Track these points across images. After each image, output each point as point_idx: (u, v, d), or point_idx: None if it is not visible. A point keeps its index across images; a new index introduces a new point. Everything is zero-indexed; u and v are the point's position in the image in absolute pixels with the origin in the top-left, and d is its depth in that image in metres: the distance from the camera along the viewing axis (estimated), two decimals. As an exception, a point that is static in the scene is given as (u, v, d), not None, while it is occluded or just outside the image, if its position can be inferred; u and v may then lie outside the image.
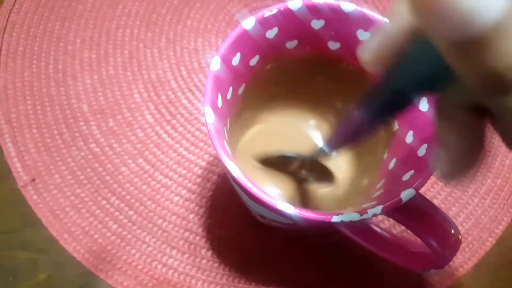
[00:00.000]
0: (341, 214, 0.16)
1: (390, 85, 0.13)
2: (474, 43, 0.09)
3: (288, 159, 0.22)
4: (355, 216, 0.16)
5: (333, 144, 0.18)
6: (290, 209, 0.16)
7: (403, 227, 0.27)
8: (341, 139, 0.17)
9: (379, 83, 0.13)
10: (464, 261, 0.26)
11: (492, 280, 0.26)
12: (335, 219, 0.16)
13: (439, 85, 0.12)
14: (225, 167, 0.16)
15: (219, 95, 0.18)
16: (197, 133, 0.28)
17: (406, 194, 0.16)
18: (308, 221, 0.16)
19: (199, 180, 0.27)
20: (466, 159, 0.12)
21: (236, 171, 0.16)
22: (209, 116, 0.17)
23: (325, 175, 0.22)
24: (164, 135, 0.28)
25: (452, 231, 0.18)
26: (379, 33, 0.12)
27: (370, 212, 0.16)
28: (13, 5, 0.31)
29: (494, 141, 0.30)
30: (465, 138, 0.12)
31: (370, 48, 0.13)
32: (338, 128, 0.17)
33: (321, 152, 0.19)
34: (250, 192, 0.16)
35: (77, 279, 0.24)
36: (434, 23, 0.09)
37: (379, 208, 0.16)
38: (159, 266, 0.25)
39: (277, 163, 0.23)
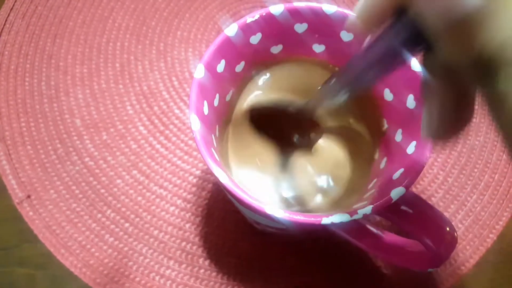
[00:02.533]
0: (331, 216, 0.16)
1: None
2: (465, 24, 0.09)
3: (280, 110, 0.21)
4: (345, 217, 0.16)
5: (338, 86, 0.17)
6: (279, 213, 0.16)
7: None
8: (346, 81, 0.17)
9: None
10: (465, 259, 0.26)
11: (493, 278, 0.26)
12: (325, 221, 0.16)
13: (420, 47, 0.12)
14: (213, 174, 0.16)
15: (205, 102, 0.18)
16: (190, 142, 0.28)
17: (396, 193, 0.16)
18: (298, 224, 0.16)
19: (194, 189, 0.27)
20: (453, 115, 0.12)
21: (223, 178, 0.16)
22: (195, 123, 0.17)
23: (315, 130, 0.22)
24: (158, 146, 0.28)
25: (447, 228, 0.18)
26: (360, 5, 0.13)
27: (360, 212, 0.16)
28: (4, 24, 0.32)
29: (490, 136, 0.29)
30: (451, 94, 0.12)
31: (358, 13, 0.13)
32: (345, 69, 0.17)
33: (323, 95, 0.18)
34: (238, 197, 0.16)
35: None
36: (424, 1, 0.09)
37: (369, 208, 0.16)
38: (157, 278, 0.25)
39: (269, 121, 0.22)
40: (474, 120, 0.30)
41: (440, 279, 0.25)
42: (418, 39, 0.12)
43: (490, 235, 0.27)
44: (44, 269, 0.25)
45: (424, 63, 0.13)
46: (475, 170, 0.28)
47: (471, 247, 0.26)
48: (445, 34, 0.10)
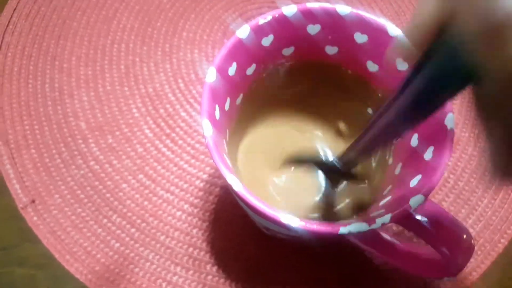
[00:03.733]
0: (349, 225, 0.15)
1: (420, 79, 0.13)
2: (498, 31, 0.09)
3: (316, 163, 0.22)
4: (363, 227, 0.15)
5: (358, 153, 0.18)
6: (295, 222, 0.15)
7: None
8: (368, 145, 0.17)
9: (406, 80, 0.13)
10: (477, 264, 0.25)
11: (505, 284, 0.25)
12: (342, 230, 0.15)
13: (467, 80, 0.12)
14: (226, 181, 0.16)
15: (217, 107, 0.18)
16: (197, 145, 0.28)
17: (414, 201, 0.16)
18: (314, 233, 0.15)
19: (201, 193, 0.27)
20: None
21: (237, 185, 0.16)
22: (207, 129, 0.16)
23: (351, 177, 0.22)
24: (164, 149, 0.28)
25: (464, 236, 0.17)
26: (408, 26, 0.12)
27: (379, 221, 0.15)
28: (7, 25, 0.31)
29: (501, 139, 0.29)
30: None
31: (402, 38, 0.13)
32: (365, 134, 0.16)
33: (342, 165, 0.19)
34: (252, 206, 0.15)
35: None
36: (461, 7, 0.10)
37: (387, 217, 0.15)
38: (164, 284, 0.24)
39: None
40: (484, 123, 0.29)
41: (451, 284, 0.25)
42: (462, 70, 0.11)
43: (502, 240, 0.26)
44: (44, 269, 0.24)
45: (477, 103, 0.12)
46: (486, 173, 0.28)
47: (482, 252, 0.26)
48: (481, 42, 0.10)
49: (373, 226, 0.15)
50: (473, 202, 0.27)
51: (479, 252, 0.26)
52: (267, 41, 0.19)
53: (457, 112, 0.30)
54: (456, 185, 0.28)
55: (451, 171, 0.28)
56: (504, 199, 0.27)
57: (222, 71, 0.18)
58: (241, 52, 0.18)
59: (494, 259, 0.26)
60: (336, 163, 0.20)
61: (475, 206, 0.27)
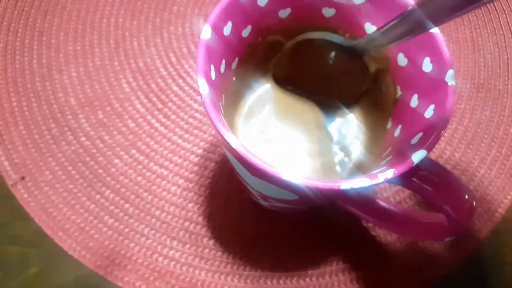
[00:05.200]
0: (350, 180, 0.15)
1: None
2: None
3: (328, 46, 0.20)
4: (365, 182, 0.15)
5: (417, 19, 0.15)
6: (296, 179, 0.15)
7: (411, 203, 0.26)
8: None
9: None
10: (474, 233, 0.25)
11: (502, 252, 0.25)
12: (344, 185, 0.15)
13: None
14: (223, 140, 0.15)
15: (212, 67, 0.17)
16: (191, 120, 0.27)
17: (417, 156, 0.15)
18: (316, 190, 0.15)
19: (196, 168, 0.26)
20: None
21: (235, 143, 0.15)
22: (203, 87, 0.16)
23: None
24: (157, 124, 0.27)
25: (466, 196, 0.17)
26: None
27: (381, 176, 0.15)
28: (-9, 0, 0.30)
29: (497, 110, 0.29)
30: None
31: None
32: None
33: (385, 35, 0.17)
34: (252, 164, 0.15)
35: (71, 271, 0.23)
36: None
37: (390, 172, 0.15)
38: (160, 258, 0.24)
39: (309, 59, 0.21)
40: (480, 94, 0.29)
41: (450, 253, 0.25)
42: None
43: (499, 210, 0.26)
44: (37, 247, 0.24)
45: None
46: (482, 144, 0.28)
47: (479, 222, 0.26)
48: None
49: (375, 181, 0.15)
50: (470, 173, 0.27)
51: (476, 222, 0.26)
52: (263, 1, 0.19)
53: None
54: (452, 156, 0.27)
55: (448, 143, 0.28)
56: (501, 169, 0.27)
57: (217, 29, 0.17)
58: (236, 11, 0.18)
59: (491, 228, 0.26)
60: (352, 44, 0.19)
61: (472, 176, 0.27)
